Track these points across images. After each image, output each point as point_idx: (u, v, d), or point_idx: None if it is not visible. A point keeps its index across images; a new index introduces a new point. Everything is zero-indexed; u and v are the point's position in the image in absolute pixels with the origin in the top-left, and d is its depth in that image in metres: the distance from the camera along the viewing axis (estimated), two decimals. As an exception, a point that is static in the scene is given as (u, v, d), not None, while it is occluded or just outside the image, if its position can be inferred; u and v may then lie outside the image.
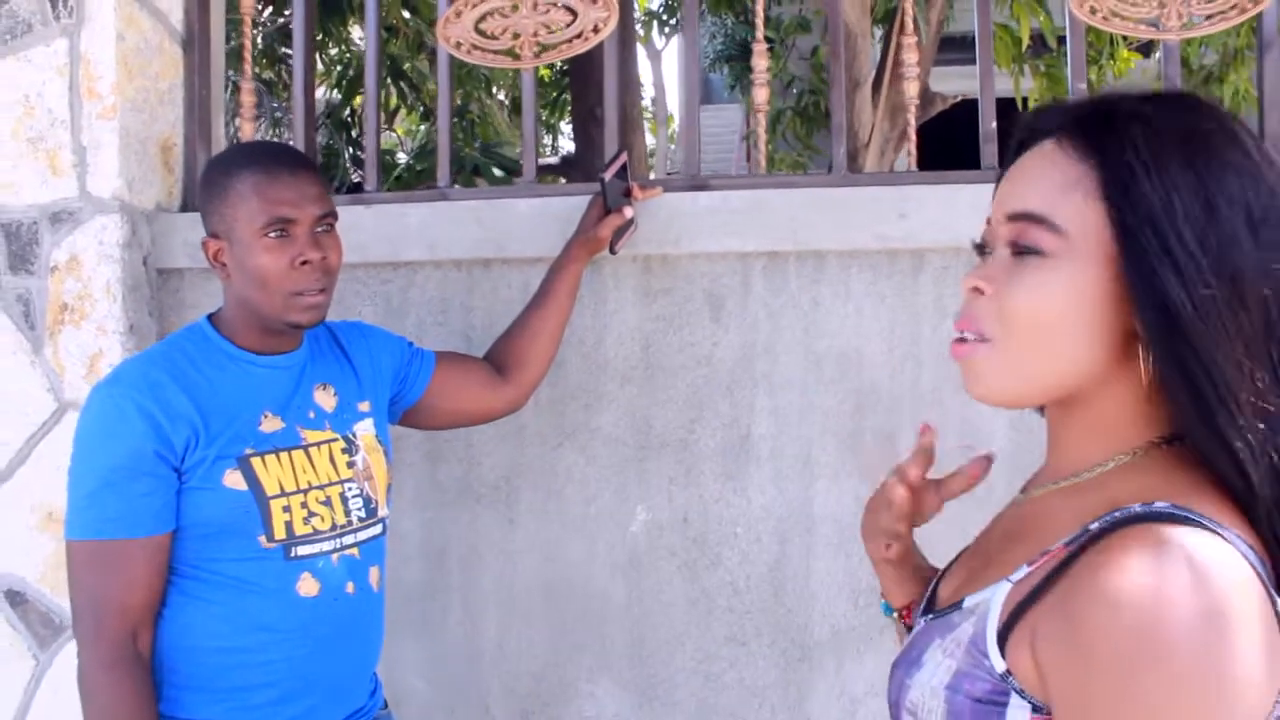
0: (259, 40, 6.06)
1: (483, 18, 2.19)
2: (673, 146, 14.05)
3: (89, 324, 2.23)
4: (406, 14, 6.08)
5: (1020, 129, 0.92)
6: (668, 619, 2.09)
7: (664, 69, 13.52)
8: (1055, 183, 0.84)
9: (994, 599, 0.83)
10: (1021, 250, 0.85)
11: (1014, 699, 0.80)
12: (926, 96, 5.10)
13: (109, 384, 1.57)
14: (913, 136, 2.17)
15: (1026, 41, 5.13)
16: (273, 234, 1.56)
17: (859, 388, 2.03)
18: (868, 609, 2.04)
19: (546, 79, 7.28)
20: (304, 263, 1.57)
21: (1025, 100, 5.53)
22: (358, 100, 6.65)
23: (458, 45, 2.21)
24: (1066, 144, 0.86)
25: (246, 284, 1.58)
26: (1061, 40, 5.35)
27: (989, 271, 0.87)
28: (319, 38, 6.61)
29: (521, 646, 2.15)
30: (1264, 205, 0.80)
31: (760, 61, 2.18)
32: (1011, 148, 0.92)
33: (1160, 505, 0.77)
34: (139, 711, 1.49)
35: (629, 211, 1.94)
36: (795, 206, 2.03)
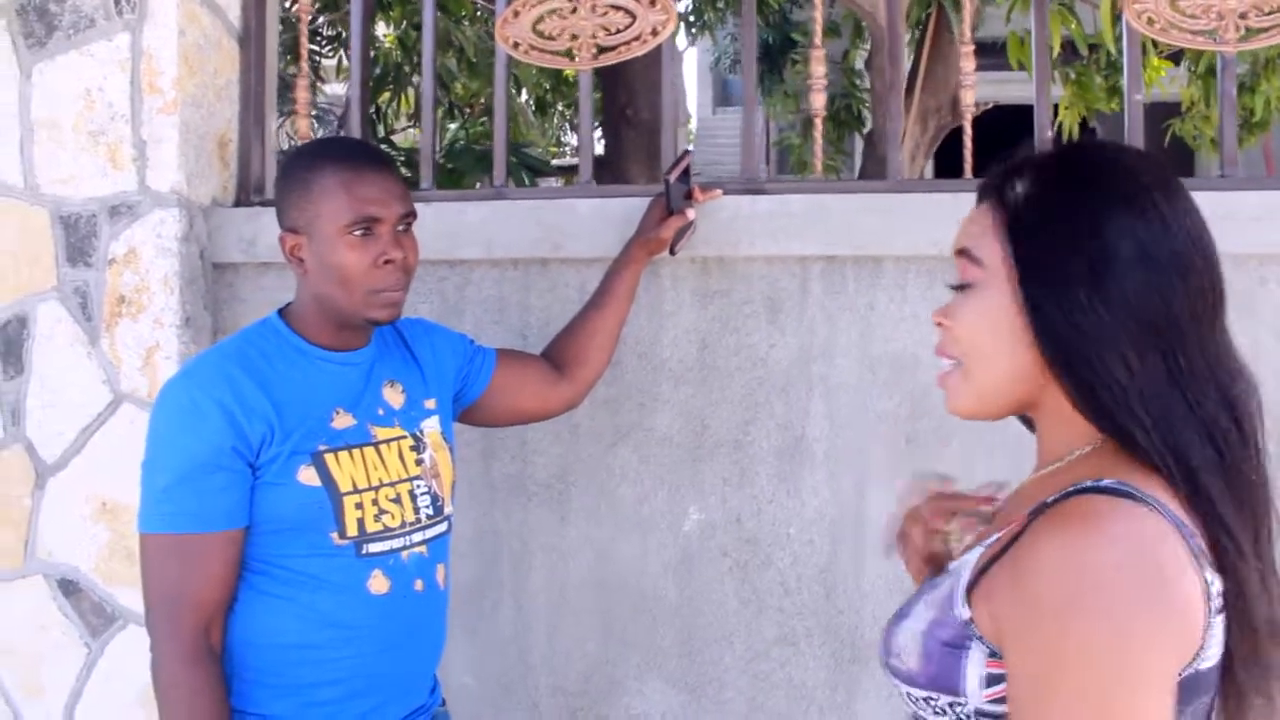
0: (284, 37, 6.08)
1: (541, 18, 2.21)
2: (691, 147, 14.06)
3: (146, 316, 2.25)
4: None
5: (977, 192, 1.10)
6: (718, 618, 2.11)
7: (684, 71, 13.50)
8: (979, 227, 1.02)
9: (969, 561, 0.99)
10: (960, 285, 1.03)
11: (974, 644, 0.94)
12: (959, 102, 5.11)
13: (185, 378, 1.58)
14: (969, 144, 2.18)
15: (1057, 49, 5.13)
16: (358, 231, 1.56)
17: (914, 392, 2.04)
18: (918, 612, 2.05)
19: (572, 78, 7.29)
20: (387, 261, 1.57)
21: (1055, 107, 5.53)
22: (384, 97, 6.67)
23: (515, 45, 2.22)
24: (989, 198, 1.03)
25: (326, 280, 1.58)
26: (1092, 48, 5.36)
27: (946, 307, 1.05)
28: (344, 35, 6.64)
29: (571, 644, 2.17)
30: (1150, 235, 0.94)
31: (818, 68, 2.20)
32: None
33: (1107, 481, 0.91)
34: (215, 705, 1.49)
35: (691, 213, 1.95)
36: (853, 211, 2.04)
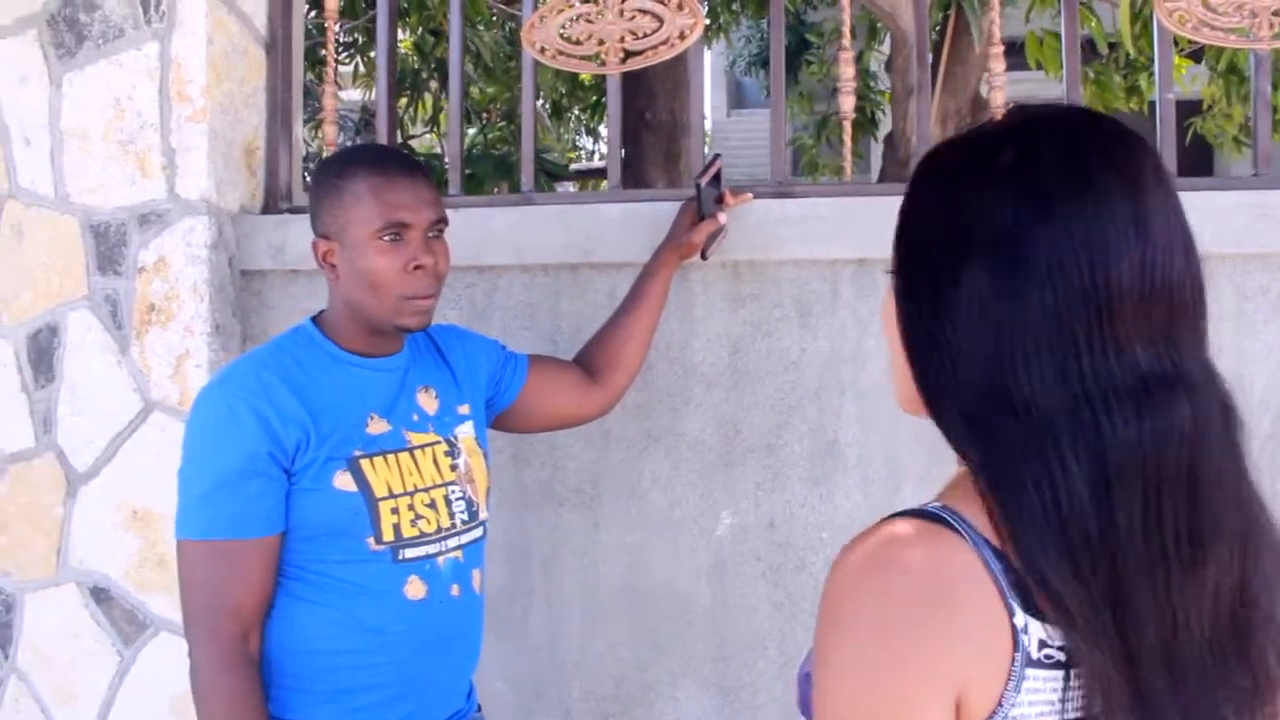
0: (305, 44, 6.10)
1: (567, 23, 2.21)
2: (708, 150, 14.04)
3: (176, 324, 2.25)
4: (453, 17, 6.10)
5: None
6: (751, 623, 2.10)
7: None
8: None
9: None
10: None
11: None
12: (979, 103, 5.09)
13: (220, 385, 1.58)
14: (999, 144, 2.17)
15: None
16: (388, 237, 1.56)
17: (947, 395, 2.03)
18: (952, 616, 2.04)
19: (588, 82, 7.30)
20: (418, 267, 1.57)
21: (1074, 107, 5.51)
22: (400, 102, 6.69)
23: (542, 50, 2.22)
24: None
25: (357, 286, 1.58)
26: (1111, 47, 5.34)
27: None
28: (361, 41, 6.66)
29: (603, 650, 2.17)
30: (1010, 224, 0.80)
31: (847, 70, 2.19)
32: None
33: (931, 505, 0.83)
34: (254, 711, 1.49)
35: (722, 218, 1.95)
36: (883, 214, 2.01)
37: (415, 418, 1.66)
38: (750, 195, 2.06)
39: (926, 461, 2.04)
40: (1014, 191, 0.81)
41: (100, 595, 2.30)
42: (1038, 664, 0.77)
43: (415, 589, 1.59)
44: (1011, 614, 0.77)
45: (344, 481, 1.54)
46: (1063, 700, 0.78)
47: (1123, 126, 0.86)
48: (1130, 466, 0.77)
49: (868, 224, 2.04)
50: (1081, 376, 0.78)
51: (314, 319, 1.68)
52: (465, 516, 1.67)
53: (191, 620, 1.52)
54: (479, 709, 1.79)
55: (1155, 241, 0.80)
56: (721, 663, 2.11)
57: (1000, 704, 0.77)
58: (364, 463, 1.57)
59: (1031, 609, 0.77)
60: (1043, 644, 0.77)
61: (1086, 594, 0.76)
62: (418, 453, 1.63)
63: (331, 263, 1.61)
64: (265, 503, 1.51)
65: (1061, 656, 0.77)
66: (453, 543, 1.64)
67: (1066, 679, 0.78)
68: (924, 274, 0.85)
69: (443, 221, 1.64)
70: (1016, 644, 0.77)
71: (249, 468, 1.50)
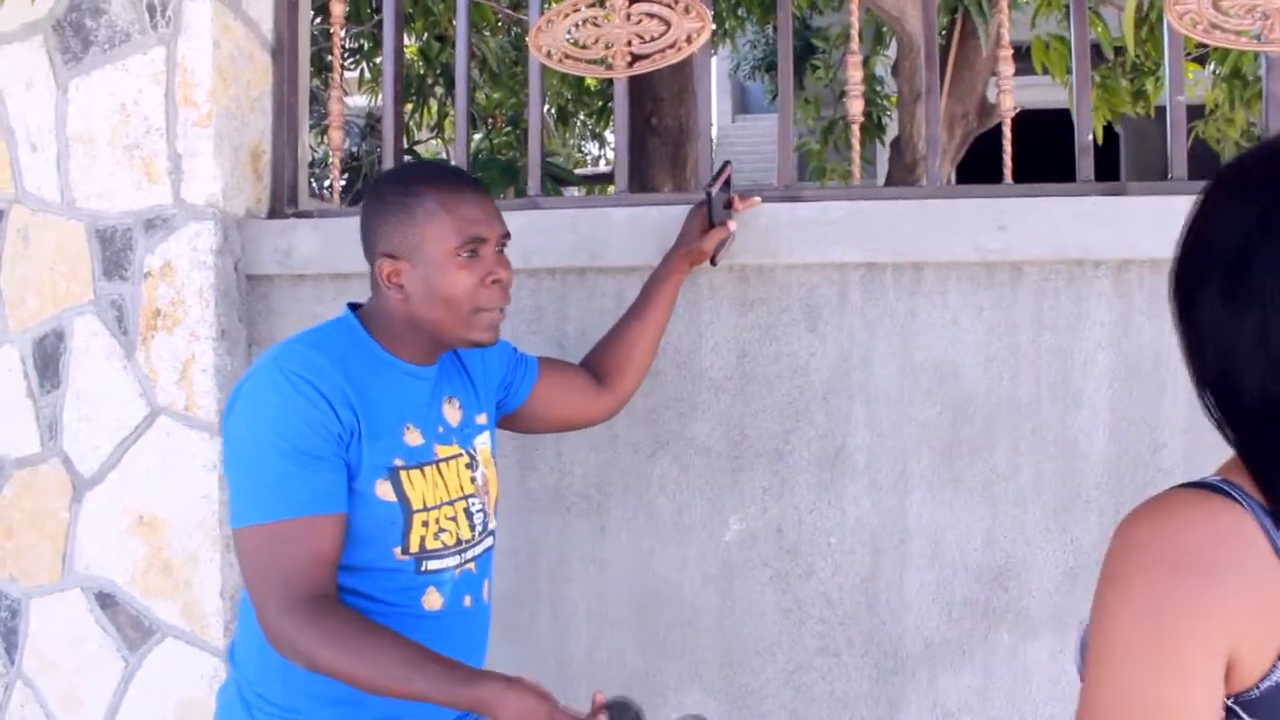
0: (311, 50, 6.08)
1: (575, 27, 2.20)
2: (715, 155, 14.03)
3: (182, 330, 2.25)
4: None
5: None
6: (759, 629, 2.09)
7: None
8: None
9: None
10: None
11: None
12: (986, 107, 5.08)
13: (275, 366, 1.50)
14: (1008, 149, 2.16)
15: (1084, 53, 5.10)
16: (466, 254, 1.54)
17: (955, 399, 2.02)
18: (961, 621, 2.03)
19: (593, 87, 7.29)
20: (495, 281, 1.57)
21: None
22: (406, 108, 6.68)
23: (549, 54, 2.22)
24: None
25: (431, 304, 1.56)
26: (1118, 51, 5.32)
27: None
28: (368, 47, 6.66)
29: (611, 655, 2.16)
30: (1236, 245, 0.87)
31: (855, 73, 2.18)
32: None
33: (1210, 477, 0.89)
34: (374, 630, 1.45)
35: (732, 225, 1.94)
36: (893, 218, 2.03)
37: (441, 429, 1.64)
38: (759, 199, 2.05)
39: (935, 466, 2.03)
40: (1239, 210, 0.89)
41: (106, 601, 2.30)
42: None
43: (432, 600, 1.58)
44: None
45: (384, 491, 1.52)
46: None
47: None
48: None
49: (876, 228, 2.03)
50: None
51: (356, 315, 1.63)
52: (480, 529, 1.66)
53: (271, 601, 1.44)
54: (478, 712, 1.78)
55: None
56: (729, 669, 2.10)
57: (1277, 663, 0.83)
58: (403, 474, 1.54)
59: None
60: None
61: None
62: (443, 465, 1.62)
63: (399, 283, 1.57)
64: (336, 478, 1.47)
65: None
66: (469, 554, 1.64)
67: None
68: (1176, 288, 0.93)
69: (508, 235, 1.62)
70: None
71: (318, 447, 1.46)
